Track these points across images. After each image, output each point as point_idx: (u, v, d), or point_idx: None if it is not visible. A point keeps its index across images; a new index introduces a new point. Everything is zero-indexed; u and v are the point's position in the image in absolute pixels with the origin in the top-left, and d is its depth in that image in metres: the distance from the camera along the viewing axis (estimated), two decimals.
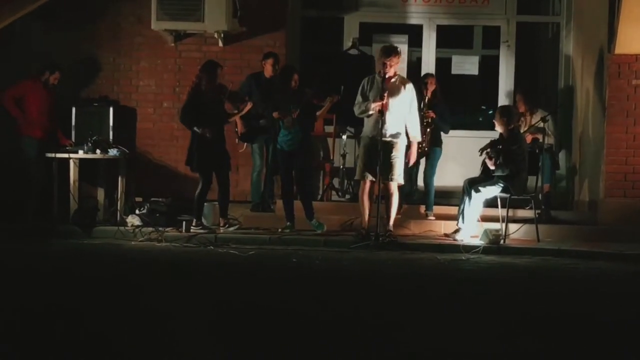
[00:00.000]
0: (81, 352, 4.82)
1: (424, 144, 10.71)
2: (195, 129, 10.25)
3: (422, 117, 10.56)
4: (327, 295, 6.92)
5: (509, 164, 10.02)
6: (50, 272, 7.88)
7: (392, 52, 9.87)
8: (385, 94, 9.68)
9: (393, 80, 9.86)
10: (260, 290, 7.11)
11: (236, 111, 10.67)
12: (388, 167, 9.79)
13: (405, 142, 9.98)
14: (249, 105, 10.53)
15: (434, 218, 10.94)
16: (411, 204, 11.15)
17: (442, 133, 11.08)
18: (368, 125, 9.98)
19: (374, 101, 9.77)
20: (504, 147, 10.11)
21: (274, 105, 10.36)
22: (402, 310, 6.36)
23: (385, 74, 9.78)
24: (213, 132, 10.22)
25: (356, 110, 10.00)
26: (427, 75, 11.37)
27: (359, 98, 9.98)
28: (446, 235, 10.26)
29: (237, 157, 11.07)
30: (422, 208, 11.09)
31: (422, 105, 10.56)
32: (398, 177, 9.89)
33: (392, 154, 9.81)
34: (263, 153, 11.09)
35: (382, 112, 9.68)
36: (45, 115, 11.00)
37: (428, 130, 10.75)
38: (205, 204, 10.53)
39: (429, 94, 10.86)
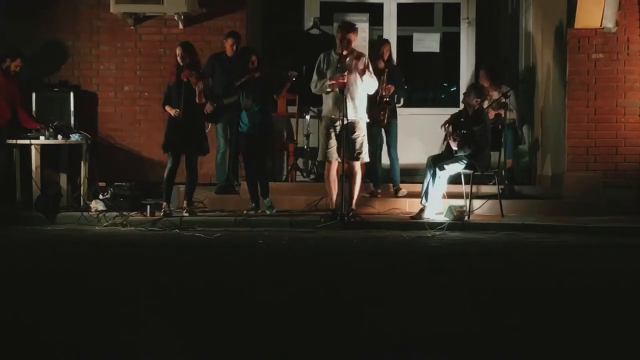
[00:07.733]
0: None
1: (382, 118, 10.54)
2: (167, 109, 10.19)
3: (380, 97, 10.33)
4: (297, 275, 6.94)
5: (470, 143, 10.04)
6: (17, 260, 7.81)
7: (351, 27, 9.79)
8: (345, 74, 9.60)
9: (349, 57, 9.74)
10: (226, 272, 7.11)
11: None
12: (353, 147, 9.78)
13: (367, 120, 9.96)
14: (200, 85, 10.31)
15: (406, 192, 10.87)
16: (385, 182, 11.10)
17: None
18: (327, 105, 9.89)
19: (331, 78, 9.68)
20: (466, 127, 10.13)
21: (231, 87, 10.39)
22: (373, 288, 6.37)
23: (343, 50, 9.67)
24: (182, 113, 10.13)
25: (312, 87, 9.92)
26: (384, 42, 11.06)
27: (314, 76, 9.88)
28: (413, 218, 10.10)
29: None
30: (372, 186, 10.97)
31: (381, 81, 10.25)
32: (364, 155, 9.90)
33: (356, 134, 9.79)
34: (227, 134, 11.03)
35: (343, 93, 9.59)
36: (5, 102, 10.84)
37: (387, 108, 10.48)
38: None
39: (384, 65, 10.52)
